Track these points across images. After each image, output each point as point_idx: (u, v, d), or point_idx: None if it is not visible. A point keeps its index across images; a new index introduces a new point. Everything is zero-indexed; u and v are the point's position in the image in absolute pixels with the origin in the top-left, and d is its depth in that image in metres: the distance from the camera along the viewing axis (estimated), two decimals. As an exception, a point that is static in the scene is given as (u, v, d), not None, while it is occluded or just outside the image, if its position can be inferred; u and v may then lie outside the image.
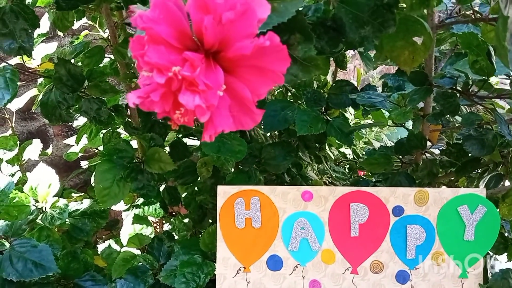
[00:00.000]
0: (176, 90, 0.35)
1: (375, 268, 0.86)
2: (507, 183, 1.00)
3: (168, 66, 0.34)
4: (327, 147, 1.55)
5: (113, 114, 1.02)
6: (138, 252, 1.13)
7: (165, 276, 0.92)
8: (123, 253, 1.05)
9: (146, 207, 1.21)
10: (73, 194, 1.28)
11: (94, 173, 1.00)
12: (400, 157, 1.04)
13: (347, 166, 2.09)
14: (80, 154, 1.36)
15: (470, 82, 0.74)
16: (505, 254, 1.02)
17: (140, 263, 1.01)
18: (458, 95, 0.75)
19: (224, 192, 0.86)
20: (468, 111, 1.04)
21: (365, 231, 0.85)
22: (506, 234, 1.01)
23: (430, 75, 0.75)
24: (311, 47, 0.43)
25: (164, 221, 1.33)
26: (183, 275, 0.87)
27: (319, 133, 1.20)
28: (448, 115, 0.82)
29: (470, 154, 1.06)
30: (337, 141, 1.38)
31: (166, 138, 1.40)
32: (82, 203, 1.03)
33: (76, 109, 0.97)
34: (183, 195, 1.22)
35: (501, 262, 1.11)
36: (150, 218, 1.37)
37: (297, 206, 0.86)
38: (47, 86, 1.00)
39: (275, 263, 0.86)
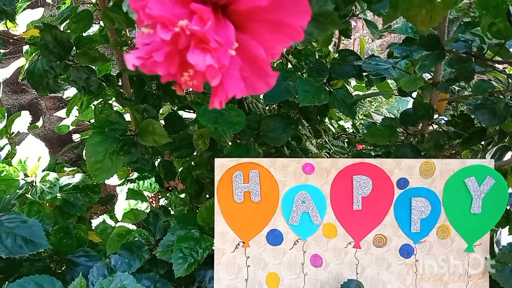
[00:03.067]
0: (183, 49, 0.30)
1: (378, 242, 0.83)
2: (509, 155, 0.97)
3: (173, 20, 0.29)
4: (327, 120, 1.51)
5: (104, 84, 0.96)
6: (133, 227, 1.10)
7: (162, 252, 0.89)
8: (117, 228, 1.01)
9: (141, 182, 1.17)
10: (65, 169, 1.24)
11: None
12: (405, 128, 1.00)
13: (346, 140, 2.06)
14: (72, 127, 1.31)
15: (486, 47, 0.69)
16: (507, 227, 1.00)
17: (135, 239, 0.98)
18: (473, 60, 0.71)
19: (221, 165, 0.82)
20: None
21: (368, 204, 0.82)
22: (508, 207, 0.98)
23: (442, 39, 0.70)
24: (328, 1, 0.38)
25: (160, 196, 1.30)
26: (180, 250, 0.84)
27: (321, 105, 1.17)
28: (462, 81, 0.77)
29: (476, 125, 1.03)
30: (340, 113, 1.33)
31: (161, 110, 1.36)
32: (73, 177, 0.99)
33: (64, 79, 0.91)
34: (180, 170, 1.19)
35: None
36: (146, 193, 1.34)
37: (297, 179, 0.82)
38: (34, 54, 0.94)
39: (275, 238, 0.83)
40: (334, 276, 0.83)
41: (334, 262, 0.83)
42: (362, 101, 2.30)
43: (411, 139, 0.97)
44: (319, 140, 1.69)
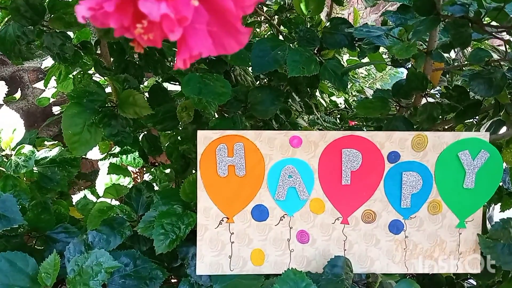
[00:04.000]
0: (135, -4, 0.26)
1: (367, 218, 0.80)
2: (503, 129, 0.94)
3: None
4: (318, 94, 1.47)
5: (81, 52, 0.91)
6: (116, 203, 1.06)
7: (144, 228, 0.85)
8: (99, 204, 0.98)
9: (124, 156, 1.13)
10: (46, 143, 1.19)
11: (62, 118, 0.91)
12: (398, 101, 0.96)
13: (338, 116, 2.02)
14: (53, 100, 1.26)
15: (483, 11, 0.64)
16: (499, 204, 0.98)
17: (117, 215, 0.94)
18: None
19: (204, 137, 0.78)
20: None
21: (358, 179, 0.79)
22: (501, 184, 0.95)
23: (438, 3, 0.66)
24: None
25: (145, 171, 1.26)
26: (162, 226, 0.81)
27: (311, 77, 1.12)
28: (458, 47, 0.73)
29: (472, 97, 0.99)
30: (332, 88, 1.29)
31: (146, 83, 1.31)
32: (51, 150, 0.94)
33: (38, 45, 0.86)
34: (166, 144, 1.15)
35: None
36: (130, 168, 1.30)
37: (284, 152, 0.79)
38: (5, 19, 0.88)
39: (260, 213, 0.79)
40: (321, 252, 0.80)
41: (321, 238, 0.80)
42: (355, 77, 2.25)
43: (404, 112, 0.93)
44: (311, 116, 1.65)
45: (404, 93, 0.88)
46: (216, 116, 1.04)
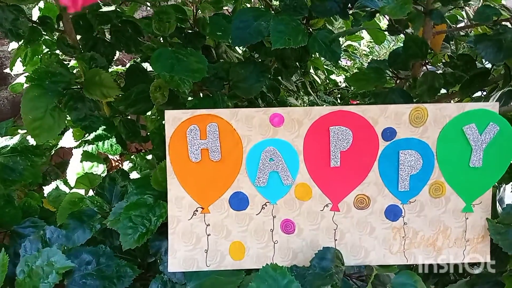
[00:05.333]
0: None
1: (360, 203, 0.71)
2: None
3: None
4: (312, 71, 1.36)
5: (40, 28, 0.82)
6: (91, 193, 0.98)
7: (114, 221, 0.77)
8: (69, 195, 0.90)
9: (100, 143, 1.04)
10: (19, 131, 1.11)
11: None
12: (395, 72, 0.86)
13: (339, 95, 1.92)
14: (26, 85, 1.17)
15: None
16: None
17: (87, 206, 0.86)
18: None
19: (173, 118, 0.69)
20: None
21: (348, 160, 0.69)
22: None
23: None
24: None
25: (124, 159, 1.17)
26: (129, 219, 0.72)
27: (300, 49, 1.02)
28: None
29: (480, 67, 0.89)
30: (321, 57, 1.19)
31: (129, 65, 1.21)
32: (12, 138, 0.86)
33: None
34: (151, 130, 1.06)
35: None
36: (111, 156, 1.21)
37: (264, 132, 0.69)
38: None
39: (239, 202, 0.70)
40: (308, 243, 0.71)
41: (308, 227, 0.71)
42: (355, 53, 2.13)
43: (403, 85, 0.83)
44: (309, 97, 1.55)
45: (401, 63, 0.78)
46: (194, 95, 0.95)
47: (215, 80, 0.94)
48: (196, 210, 0.70)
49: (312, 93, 1.26)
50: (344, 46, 2.00)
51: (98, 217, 0.83)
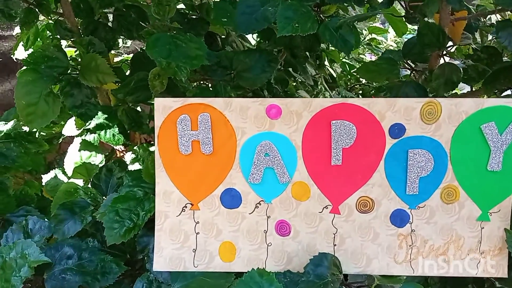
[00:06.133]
0: None
1: (363, 206, 0.64)
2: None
3: None
4: (326, 63, 1.29)
5: (36, 10, 0.79)
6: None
7: (102, 214, 0.73)
8: (65, 185, 0.87)
9: (102, 132, 1.01)
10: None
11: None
12: (411, 63, 0.78)
13: (360, 91, 1.83)
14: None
15: None
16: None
17: (81, 197, 0.83)
18: None
19: (163, 106, 0.65)
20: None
21: (351, 158, 0.63)
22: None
23: None
24: None
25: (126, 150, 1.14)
26: (116, 213, 0.68)
27: (310, 38, 0.96)
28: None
29: (505, 57, 0.81)
30: (332, 47, 1.12)
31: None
32: (6, 124, 0.83)
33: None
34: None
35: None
36: (116, 147, 1.18)
37: (260, 125, 0.64)
38: None
39: (231, 199, 0.65)
40: (304, 247, 0.65)
41: (305, 230, 0.65)
42: (379, 47, 2.04)
43: (418, 78, 0.76)
44: (333, 92, 1.48)
45: (416, 53, 0.71)
46: (195, 84, 0.90)
47: (218, 69, 0.89)
48: (185, 206, 0.66)
49: (327, 87, 1.19)
50: (368, 40, 1.91)
51: (91, 209, 0.80)
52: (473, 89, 0.91)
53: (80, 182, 0.95)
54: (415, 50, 0.70)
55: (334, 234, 0.65)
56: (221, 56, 0.89)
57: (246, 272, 0.62)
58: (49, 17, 0.80)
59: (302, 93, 1.12)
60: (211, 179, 0.65)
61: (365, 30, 1.88)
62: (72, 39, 0.87)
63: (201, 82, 0.94)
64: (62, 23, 0.84)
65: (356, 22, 0.79)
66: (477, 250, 0.64)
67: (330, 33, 0.82)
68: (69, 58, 0.85)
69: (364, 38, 1.87)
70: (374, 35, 1.99)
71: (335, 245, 0.65)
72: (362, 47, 1.98)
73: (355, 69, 1.01)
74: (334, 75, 1.32)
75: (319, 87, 1.38)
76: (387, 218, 0.64)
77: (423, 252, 0.64)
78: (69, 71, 0.83)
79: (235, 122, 0.64)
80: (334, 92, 1.51)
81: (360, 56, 2.02)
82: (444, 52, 0.70)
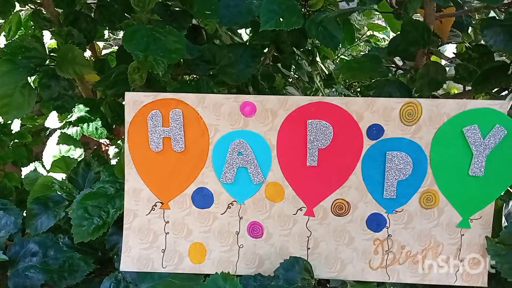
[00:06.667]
0: None
1: (338, 209, 0.62)
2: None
3: None
4: (318, 59, 1.26)
5: (12, -1, 0.76)
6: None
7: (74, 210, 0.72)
8: (43, 178, 0.85)
9: (84, 126, 0.99)
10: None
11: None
12: (396, 61, 0.76)
13: (358, 89, 1.80)
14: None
15: None
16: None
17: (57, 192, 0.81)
18: None
19: (133, 100, 0.62)
20: None
21: (327, 159, 0.61)
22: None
23: None
24: None
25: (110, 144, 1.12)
26: (85, 209, 0.66)
27: (297, 33, 0.93)
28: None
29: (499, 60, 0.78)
30: (318, 42, 1.09)
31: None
32: (-20, 115, 0.81)
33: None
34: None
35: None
36: (101, 140, 1.17)
37: (234, 122, 0.61)
38: None
39: (203, 199, 0.63)
40: (277, 250, 0.63)
41: (278, 232, 0.63)
42: (379, 44, 2.00)
43: (402, 77, 0.73)
44: (332, 89, 1.45)
45: (401, 51, 0.68)
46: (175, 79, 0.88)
47: (200, 64, 0.86)
48: (155, 205, 0.64)
49: (316, 81, 1.16)
50: (366, 37, 1.88)
51: (65, 204, 0.78)
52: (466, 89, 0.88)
53: (59, 176, 0.93)
54: (400, 48, 0.67)
55: (308, 237, 0.63)
56: (204, 50, 0.86)
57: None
58: (27, 7, 0.77)
59: (291, 89, 1.09)
60: (182, 177, 0.63)
61: (366, 27, 1.85)
62: (50, 30, 0.84)
63: (184, 77, 0.92)
64: (40, 13, 0.81)
65: (349, 16, 0.76)
66: (456, 258, 0.61)
67: (316, 28, 0.80)
68: (49, 49, 0.83)
69: (364, 35, 1.84)
70: (375, 33, 1.95)
71: (309, 248, 0.63)
72: (362, 44, 1.95)
73: (338, 68, 0.98)
74: (326, 72, 1.29)
75: (318, 84, 1.36)
76: (363, 222, 0.62)
77: (399, 258, 0.62)
78: (47, 62, 0.81)
79: (208, 119, 0.62)
80: (333, 89, 1.48)
81: (361, 53, 1.98)
82: (430, 50, 0.67)
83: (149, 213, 0.64)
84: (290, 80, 1.37)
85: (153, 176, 0.63)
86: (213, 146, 0.62)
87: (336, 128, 0.60)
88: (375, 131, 0.59)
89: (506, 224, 0.63)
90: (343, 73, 0.72)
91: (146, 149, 0.63)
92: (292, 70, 1.23)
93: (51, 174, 0.93)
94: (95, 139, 1.04)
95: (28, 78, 0.80)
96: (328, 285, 0.70)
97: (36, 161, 0.98)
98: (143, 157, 0.63)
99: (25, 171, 0.95)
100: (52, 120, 1.02)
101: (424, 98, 0.59)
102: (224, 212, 0.63)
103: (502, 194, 0.63)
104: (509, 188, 0.74)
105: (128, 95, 0.62)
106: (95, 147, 1.26)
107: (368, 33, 1.88)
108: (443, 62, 0.84)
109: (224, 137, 0.62)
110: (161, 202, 0.64)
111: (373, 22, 1.80)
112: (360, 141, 0.60)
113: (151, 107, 0.62)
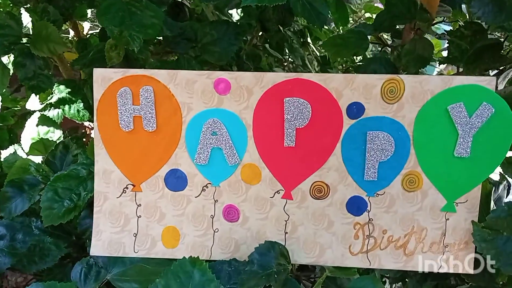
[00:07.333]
0: None
1: (317, 192, 0.59)
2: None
3: None
4: (309, 40, 1.22)
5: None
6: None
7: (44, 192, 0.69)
8: (20, 161, 0.82)
9: (66, 107, 0.96)
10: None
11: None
12: (388, 39, 0.72)
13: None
14: None
15: None
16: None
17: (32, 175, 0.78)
18: None
19: (102, 77, 0.59)
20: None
21: (305, 139, 0.58)
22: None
23: None
24: None
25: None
26: (55, 192, 0.64)
27: (282, 10, 0.89)
28: None
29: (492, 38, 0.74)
30: (305, 19, 1.05)
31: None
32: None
33: None
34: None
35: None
36: (86, 123, 1.14)
37: (207, 100, 0.58)
38: None
39: (176, 181, 0.60)
40: (254, 234, 0.60)
41: (255, 216, 0.60)
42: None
43: (389, 54, 0.69)
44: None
45: (388, 26, 0.64)
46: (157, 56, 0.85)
47: (181, 41, 0.83)
48: (126, 187, 0.61)
49: (308, 64, 1.12)
50: (364, 20, 1.83)
51: (41, 187, 0.75)
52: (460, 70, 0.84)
53: (39, 159, 0.90)
54: (386, 24, 0.64)
55: (286, 221, 0.60)
56: (185, 27, 0.83)
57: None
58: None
59: (278, 70, 1.05)
60: (154, 158, 0.60)
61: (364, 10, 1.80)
62: (25, 6, 0.81)
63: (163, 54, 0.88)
64: (13, -12, 0.78)
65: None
66: (440, 243, 0.58)
67: (302, 4, 0.76)
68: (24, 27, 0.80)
69: (361, 18, 1.79)
70: (374, 15, 1.90)
71: (287, 233, 0.60)
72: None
73: (322, 44, 0.94)
74: (318, 53, 1.25)
75: (313, 67, 1.32)
76: (343, 205, 0.59)
77: (381, 243, 0.59)
78: (22, 40, 0.78)
79: (181, 97, 0.59)
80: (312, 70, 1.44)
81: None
82: (417, 27, 0.63)
83: (120, 195, 0.61)
84: (285, 64, 1.34)
85: (124, 157, 0.61)
86: (186, 125, 0.59)
87: (315, 107, 0.57)
88: (356, 109, 0.56)
89: (494, 208, 0.60)
90: (328, 49, 0.69)
91: (116, 128, 0.60)
92: (286, 54, 1.19)
93: (30, 157, 0.90)
94: (77, 121, 1.01)
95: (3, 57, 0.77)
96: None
97: (16, 144, 0.95)
98: (113, 137, 0.60)
99: (4, 154, 0.93)
100: (34, 102, 0.99)
101: (407, 75, 0.55)
102: (199, 195, 0.60)
103: (491, 177, 0.60)
104: (500, 171, 0.72)
105: (97, 72, 0.59)
106: (83, 131, 1.24)
107: (366, 15, 1.84)
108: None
109: (197, 116, 0.59)
110: (132, 185, 0.61)
111: (370, 4, 1.76)
112: (340, 120, 0.57)
113: (121, 84, 0.59)
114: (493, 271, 0.59)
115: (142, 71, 0.59)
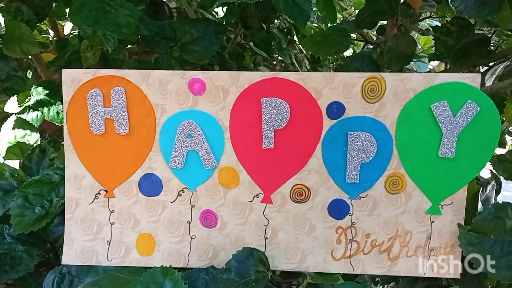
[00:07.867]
0: None
1: (298, 195, 0.57)
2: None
3: None
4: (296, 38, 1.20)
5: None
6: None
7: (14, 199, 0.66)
8: (-4, 166, 0.79)
9: (45, 110, 0.93)
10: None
11: None
12: (365, 34, 0.70)
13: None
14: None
15: None
16: None
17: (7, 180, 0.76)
18: None
19: (72, 78, 0.57)
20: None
21: (284, 141, 0.55)
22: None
23: None
24: None
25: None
26: (25, 198, 0.61)
27: (265, 7, 0.87)
28: None
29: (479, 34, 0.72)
30: (287, 16, 1.02)
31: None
32: None
33: None
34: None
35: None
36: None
37: (182, 102, 0.56)
38: None
39: (151, 186, 0.58)
40: (232, 240, 0.58)
41: (233, 221, 0.58)
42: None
43: (372, 52, 0.67)
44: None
45: (369, 22, 0.62)
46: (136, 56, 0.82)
47: (161, 41, 0.80)
48: (99, 193, 0.58)
49: (294, 61, 1.10)
50: (353, 16, 1.81)
51: (16, 192, 0.73)
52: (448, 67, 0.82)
53: (15, 163, 0.88)
54: (368, 20, 0.62)
55: (266, 226, 0.58)
56: (164, 26, 0.80)
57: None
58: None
59: (263, 69, 1.03)
60: (127, 163, 0.58)
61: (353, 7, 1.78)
62: (-2, 6, 0.78)
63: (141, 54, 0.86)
64: (-16, -13, 0.75)
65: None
66: (426, 247, 0.56)
67: (284, 0, 0.74)
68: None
69: (350, 16, 1.76)
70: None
71: (267, 238, 0.58)
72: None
73: (302, 41, 0.91)
74: (305, 52, 1.23)
75: (303, 66, 1.29)
76: (325, 209, 0.56)
77: (364, 248, 0.57)
78: (-7, 41, 0.75)
79: (154, 98, 0.56)
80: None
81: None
82: (399, 23, 0.61)
83: (92, 202, 0.59)
84: (275, 63, 1.31)
85: (95, 161, 0.58)
86: (160, 128, 0.57)
87: (294, 107, 0.54)
88: (336, 109, 0.54)
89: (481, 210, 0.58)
90: (307, 47, 0.66)
91: (87, 132, 0.57)
92: (275, 53, 1.17)
93: (7, 161, 0.87)
94: (57, 124, 0.98)
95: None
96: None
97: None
98: (84, 141, 0.57)
99: (-19, 158, 0.90)
100: (12, 105, 0.96)
101: (388, 73, 0.53)
102: (174, 200, 0.58)
103: (477, 177, 0.58)
104: (492, 170, 0.69)
105: (66, 72, 0.57)
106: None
107: (356, 12, 1.82)
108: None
109: (171, 118, 0.56)
110: (105, 190, 0.58)
111: (360, 0, 1.73)
112: (320, 121, 0.54)
113: (91, 85, 0.56)
114: (493, 270, 0.56)
115: (113, 72, 0.56)
